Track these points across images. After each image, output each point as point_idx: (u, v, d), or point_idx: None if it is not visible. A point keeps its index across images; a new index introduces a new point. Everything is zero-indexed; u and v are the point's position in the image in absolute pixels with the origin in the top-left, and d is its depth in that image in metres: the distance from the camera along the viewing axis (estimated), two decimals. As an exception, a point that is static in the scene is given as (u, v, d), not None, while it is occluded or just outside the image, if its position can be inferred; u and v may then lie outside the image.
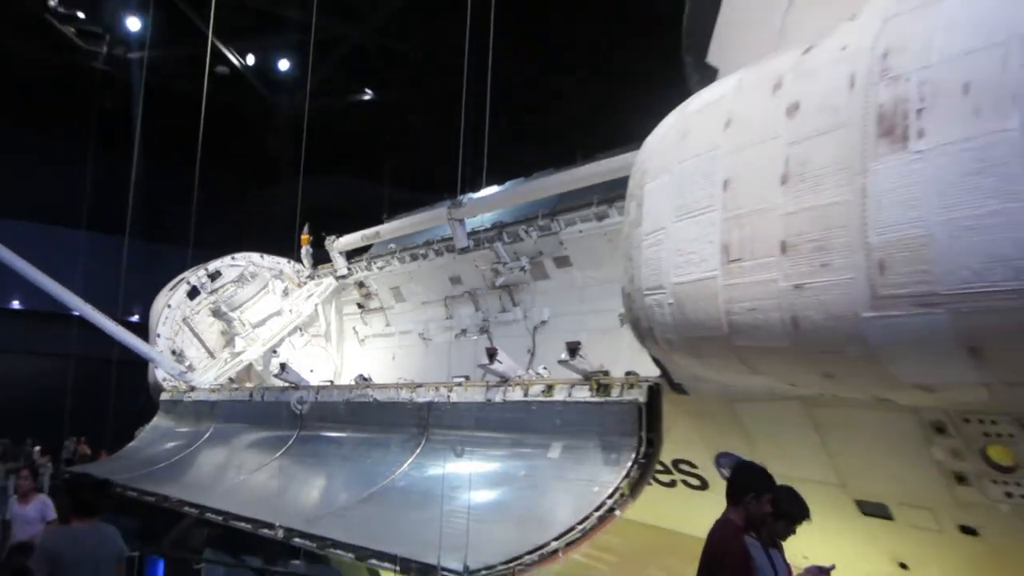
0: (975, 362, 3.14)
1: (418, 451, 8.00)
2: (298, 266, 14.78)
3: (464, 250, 10.70)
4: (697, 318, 4.10)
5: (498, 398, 7.31)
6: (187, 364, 13.44)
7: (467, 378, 8.44)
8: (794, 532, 4.54)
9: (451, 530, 6.01)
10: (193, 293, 14.05)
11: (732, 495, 4.40)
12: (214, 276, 14.15)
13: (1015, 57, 2.89)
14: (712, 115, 4.27)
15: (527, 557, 5.51)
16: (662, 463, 6.24)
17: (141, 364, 14.31)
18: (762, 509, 4.32)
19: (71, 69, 24.61)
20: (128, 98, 22.63)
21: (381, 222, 12.66)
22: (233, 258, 14.44)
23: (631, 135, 5.92)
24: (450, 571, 5.54)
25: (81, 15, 23.75)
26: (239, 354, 13.26)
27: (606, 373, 6.54)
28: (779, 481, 4.50)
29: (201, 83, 14.55)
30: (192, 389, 12.88)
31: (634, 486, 5.74)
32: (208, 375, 13.16)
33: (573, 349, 6.46)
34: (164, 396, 13.45)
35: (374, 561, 6.43)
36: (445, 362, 11.63)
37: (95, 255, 22.33)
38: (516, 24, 13.46)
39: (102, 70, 24.98)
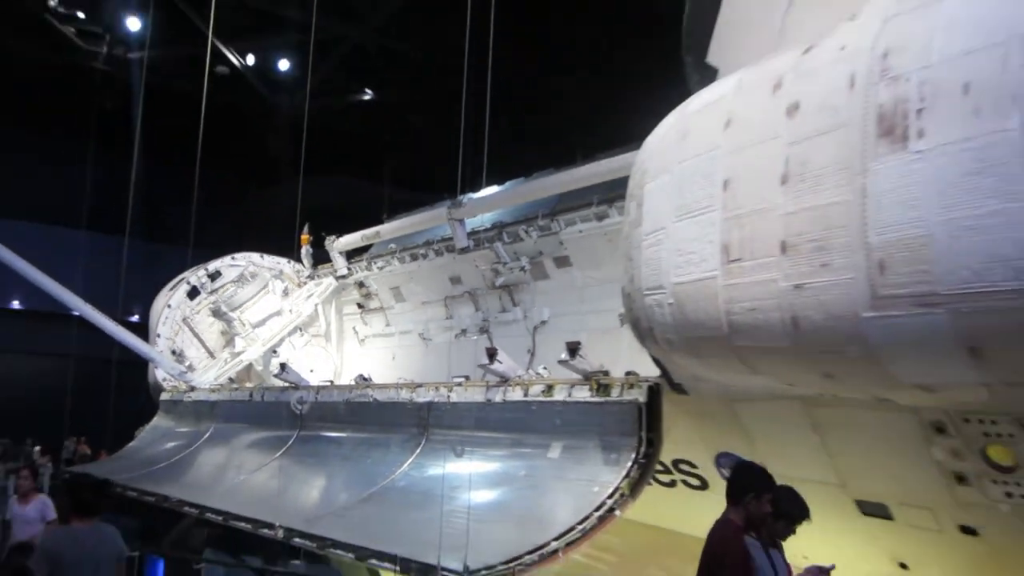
0: (975, 362, 3.14)
1: (418, 451, 8.00)
2: (298, 266, 14.78)
3: (464, 250, 10.70)
4: (697, 318, 4.10)
5: (498, 398, 7.31)
6: (187, 364, 13.43)
7: (467, 378, 8.44)
8: (794, 532, 4.54)
9: (451, 530, 6.01)
10: (193, 293, 14.05)
11: (732, 495, 4.40)
12: (214, 276, 14.15)
13: (1015, 57, 2.89)
14: (712, 115, 4.27)
15: (527, 557, 5.51)
16: (662, 463, 6.23)
17: (141, 364, 14.31)
18: (762, 509, 4.31)
19: (71, 69, 24.60)
20: (128, 98, 22.63)
21: (381, 222, 12.66)
22: (233, 258, 14.44)
23: (631, 135, 5.92)
24: (450, 571, 5.54)
25: (81, 15, 23.74)
26: (239, 354, 13.25)
27: (606, 373, 6.54)
28: (779, 481, 4.50)
29: (201, 83, 14.54)
30: (192, 389, 12.87)
31: (634, 486, 5.74)
32: (208, 375, 13.16)
33: (573, 349, 6.46)
34: (164, 396, 13.44)
35: (374, 561, 6.42)
36: (445, 362, 11.62)
37: (95, 255, 22.32)
38: (516, 24, 13.46)
39: (102, 70, 24.97)
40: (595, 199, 9.16)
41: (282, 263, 14.75)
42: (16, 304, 26.77)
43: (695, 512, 6.11)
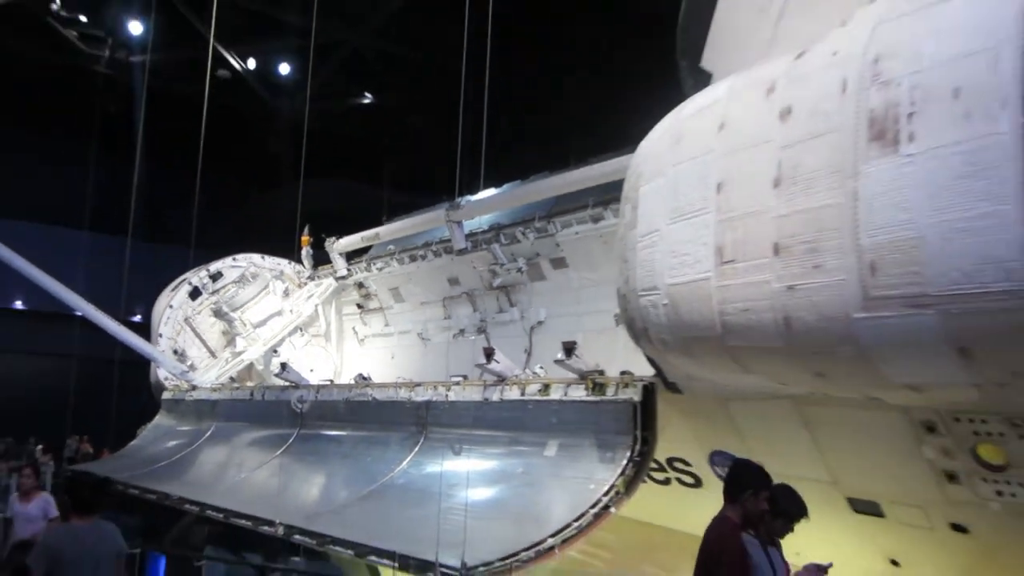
0: (965, 362, 3.14)
1: (416, 449, 7.99)
2: (298, 267, 14.76)
3: (462, 251, 10.70)
4: (691, 318, 4.10)
5: (495, 397, 7.31)
6: (189, 363, 13.41)
7: (465, 377, 8.43)
8: (792, 530, 4.54)
9: (449, 527, 6.01)
10: (195, 293, 14.03)
11: (729, 492, 4.38)
12: (216, 277, 14.13)
13: (1004, 61, 2.89)
14: (706, 119, 4.28)
15: (524, 554, 5.50)
16: (657, 461, 6.23)
17: (143, 364, 14.30)
18: (759, 506, 4.30)
19: (74, 72, 24.56)
20: (130, 101, 22.55)
21: (380, 224, 12.66)
22: (234, 259, 14.42)
23: (629, 137, 5.90)
24: (448, 567, 5.53)
25: (83, 19, 23.72)
26: (240, 354, 13.23)
27: (602, 372, 6.54)
28: (772, 479, 4.50)
29: (202, 86, 14.49)
30: (193, 388, 12.85)
31: (629, 484, 5.74)
32: (209, 374, 13.14)
33: (569, 349, 6.45)
34: (166, 395, 13.43)
35: (373, 558, 6.42)
36: (443, 362, 11.61)
37: (98, 256, 22.26)
38: (515, 26, 13.46)
39: (104, 73, 24.93)
40: (591, 201, 9.16)
41: (283, 264, 14.74)
42: (19, 304, 26.70)
43: (689, 509, 6.11)
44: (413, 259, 12.05)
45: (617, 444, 5.99)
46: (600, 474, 5.94)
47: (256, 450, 10.38)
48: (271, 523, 7.54)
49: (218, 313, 13.55)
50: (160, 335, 13.49)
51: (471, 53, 9.92)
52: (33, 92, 24.65)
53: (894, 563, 5.46)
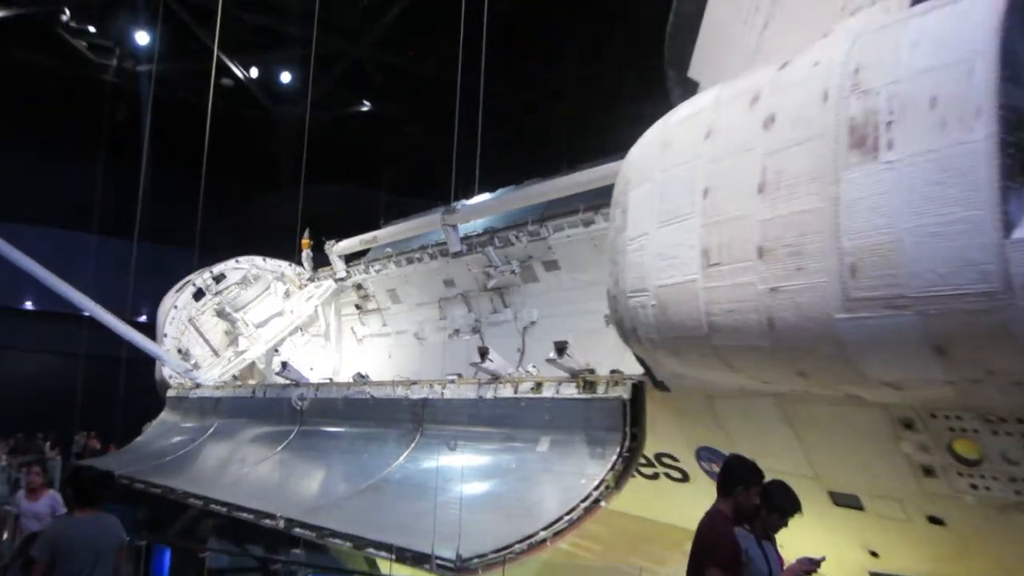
0: (941, 361, 3.15)
1: (413, 445, 7.98)
2: (299, 269, 14.71)
3: (457, 254, 10.69)
4: (678, 319, 4.10)
5: (489, 395, 7.30)
6: (192, 362, 13.36)
7: (460, 376, 8.42)
8: (786, 525, 4.52)
9: (444, 520, 5.99)
10: (199, 295, 13.97)
11: (722, 487, 4.36)
12: (219, 278, 14.07)
13: (978, 73, 2.90)
14: (693, 127, 4.28)
15: (517, 546, 5.50)
16: (645, 456, 6.23)
17: (149, 362, 14.22)
18: (751, 501, 4.28)
19: (83, 81, 24.47)
20: (137, 109, 22.53)
21: (378, 228, 12.64)
22: (237, 261, 14.36)
23: (619, 144, 5.90)
24: (443, 559, 5.52)
25: (92, 29, 23.60)
26: (242, 353, 13.19)
27: (592, 371, 6.54)
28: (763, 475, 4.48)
29: (207, 95, 14.45)
30: (197, 386, 12.81)
31: (619, 478, 5.74)
32: (212, 373, 13.09)
33: (561, 348, 6.45)
34: (170, 393, 13.38)
35: (371, 550, 6.41)
36: (439, 361, 11.58)
37: (105, 258, 22.14)
38: (508, 36, 13.46)
39: (112, 82, 24.83)
40: (582, 206, 9.16)
41: (284, 266, 14.69)
42: (29, 305, 26.52)
43: (677, 503, 6.12)
44: (410, 261, 12.02)
45: (607, 440, 5.99)
46: (591, 469, 5.93)
47: (258, 446, 10.34)
48: (272, 516, 7.52)
49: (221, 313, 13.50)
50: (165, 335, 13.43)
51: (465, 65, 9.93)
52: (43, 100, 24.54)
53: (873, 554, 5.46)
